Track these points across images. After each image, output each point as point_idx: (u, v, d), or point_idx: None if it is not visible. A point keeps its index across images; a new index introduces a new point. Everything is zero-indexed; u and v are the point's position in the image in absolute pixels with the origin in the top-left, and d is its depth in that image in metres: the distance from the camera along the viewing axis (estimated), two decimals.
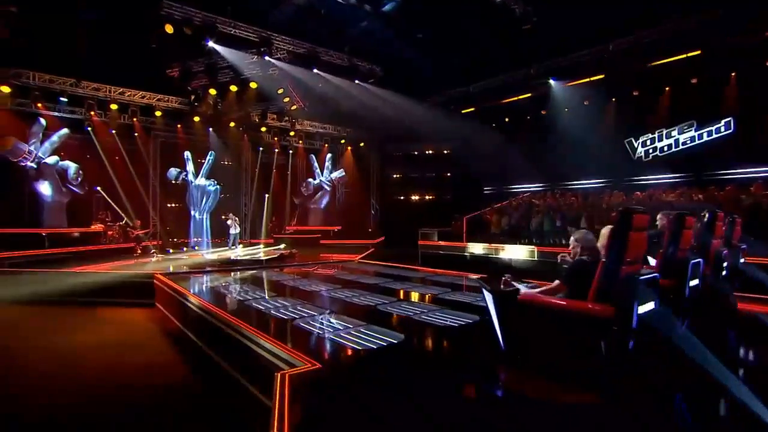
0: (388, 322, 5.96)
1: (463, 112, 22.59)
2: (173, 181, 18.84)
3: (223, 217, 17.03)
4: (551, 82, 18.18)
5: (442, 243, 17.03)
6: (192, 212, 19.47)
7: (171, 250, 16.92)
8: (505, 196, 21.82)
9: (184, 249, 17.67)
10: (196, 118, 18.77)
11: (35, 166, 15.13)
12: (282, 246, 17.83)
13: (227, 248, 16.89)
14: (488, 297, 4.07)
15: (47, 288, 9.99)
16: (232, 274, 11.54)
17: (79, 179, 16.32)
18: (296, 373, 3.79)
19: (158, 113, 17.97)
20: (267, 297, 7.84)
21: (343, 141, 24.42)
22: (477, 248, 15.71)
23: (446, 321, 5.88)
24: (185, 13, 12.01)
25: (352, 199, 25.50)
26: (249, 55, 14.08)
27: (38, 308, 9.85)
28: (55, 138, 16.08)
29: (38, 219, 15.40)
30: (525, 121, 21.26)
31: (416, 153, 25.99)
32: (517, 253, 14.22)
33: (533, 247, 14.10)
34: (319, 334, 5.38)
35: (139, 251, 16.85)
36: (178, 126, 18.96)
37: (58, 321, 8.98)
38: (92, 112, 16.75)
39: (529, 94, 19.43)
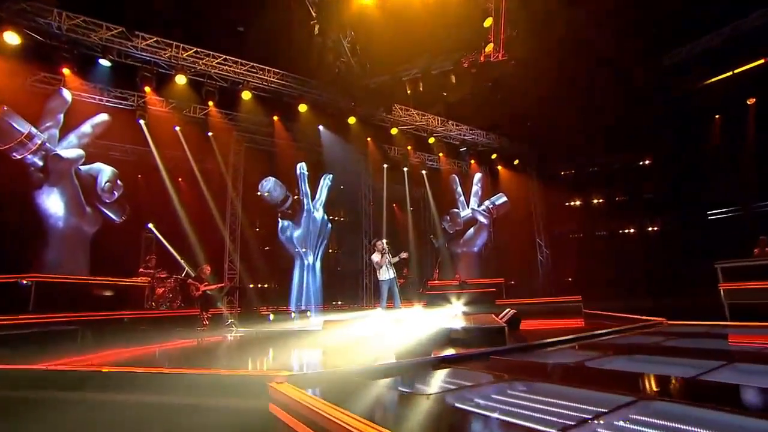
0: None
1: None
2: (280, 206, 11.44)
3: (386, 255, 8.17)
4: None
5: None
6: (303, 258, 11.71)
7: (272, 317, 8.89)
8: None
9: (293, 315, 9.51)
10: (303, 107, 11.80)
11: (39, 162, 8.33)
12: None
13: (377, 309, 8.61)
14: None
15: None
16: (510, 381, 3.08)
17: (116, 193, 9.33)
18: None
19: (246, 95, 11.20)
20: None
21: (494, 156, 16.52)
22: None
23: None
24: None
25: (505, 238, 16.93)
26: None
27: None
28: (86, 128, 9.53)
29: (40, 258, 8.26)
30: None
31: (596, 169, 17.63)
32: None
33: None
34: None
35: (206, 323, 9.09)
36: (275, 119, 12.07)
37: None
38: (147, 88, 10.23)
39: None
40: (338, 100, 11.22)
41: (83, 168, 9.10)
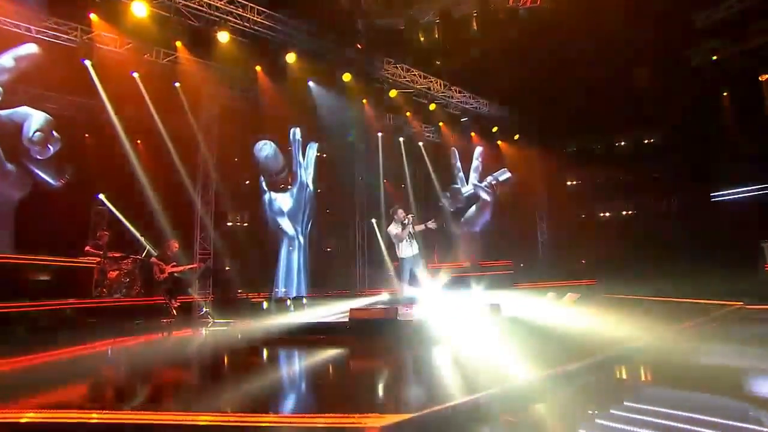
0: None
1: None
2: (273, 176, 9.56)
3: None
4: None
5: None
6: (296, 236, 9.90)
7: (265, 305, 7.06)
8: None
9: (289, 303, 7.64)
10: (291, 57, 9.81)
11: None
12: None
13: (397, 294, 7.01)
14: None
15: None
16: None
17: (51, 148, 7.15)
18: None
19: (224, 35, 9.09)
20: None
21: (495, 129, 15.07)
22: None
23: None
24: None
25: (505, 218, 15.62)
26: None
27: None
28: (7, 60, 7.26)
29: None
30: None
31: (601, 147, 16.58)
32: None
33: None
34: None
35: (174, 313, 7.18)
36: (257, 69, 10.04)
37: None
38: (94, 16, 7.97)
39: None
40: (336, 47, 9.31)
41: (3, 113, 6.85)
